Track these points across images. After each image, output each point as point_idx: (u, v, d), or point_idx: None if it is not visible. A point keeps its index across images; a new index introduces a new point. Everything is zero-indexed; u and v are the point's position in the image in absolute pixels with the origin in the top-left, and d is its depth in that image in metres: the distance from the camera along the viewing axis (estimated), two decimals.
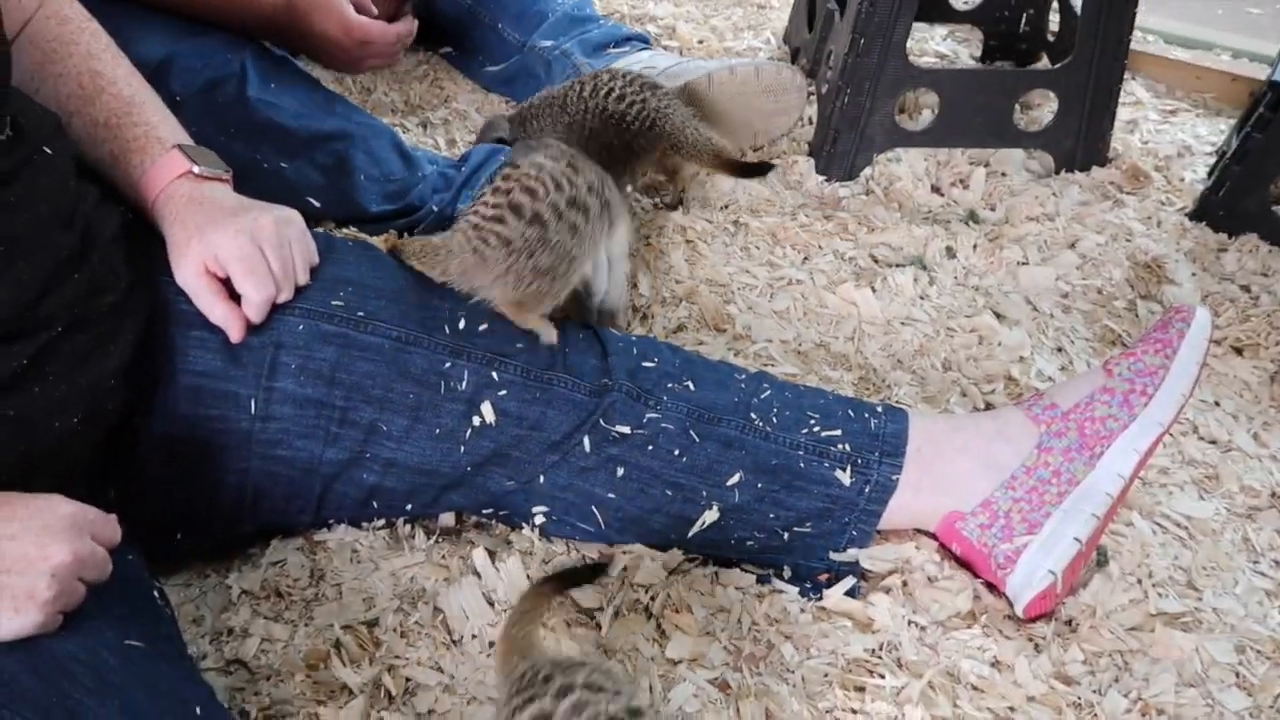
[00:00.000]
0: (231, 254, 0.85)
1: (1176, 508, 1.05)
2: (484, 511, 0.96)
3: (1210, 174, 1.50)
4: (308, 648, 0.86)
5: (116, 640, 0.70)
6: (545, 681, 0.69)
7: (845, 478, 0.94)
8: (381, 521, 0.96)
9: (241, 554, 0.95)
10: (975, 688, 0.86)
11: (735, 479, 0.93)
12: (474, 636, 0.88)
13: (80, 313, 0.79)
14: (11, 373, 0.74)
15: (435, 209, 1.28)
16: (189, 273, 0.86)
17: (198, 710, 0.69)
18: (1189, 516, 1.04)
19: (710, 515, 0.93)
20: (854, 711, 0.84)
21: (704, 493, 0.93)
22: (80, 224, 0.81)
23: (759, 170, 1.34)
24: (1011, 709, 0.84)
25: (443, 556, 0.95)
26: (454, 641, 0.88)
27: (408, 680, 0.84)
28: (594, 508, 0.94)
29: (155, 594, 0.81)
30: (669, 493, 0.93)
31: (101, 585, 0.71)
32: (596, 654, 0.87)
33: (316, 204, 1.21)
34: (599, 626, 0.90)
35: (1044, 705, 0.85)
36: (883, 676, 0.86)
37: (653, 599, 0.92)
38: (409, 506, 0.95)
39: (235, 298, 0.86)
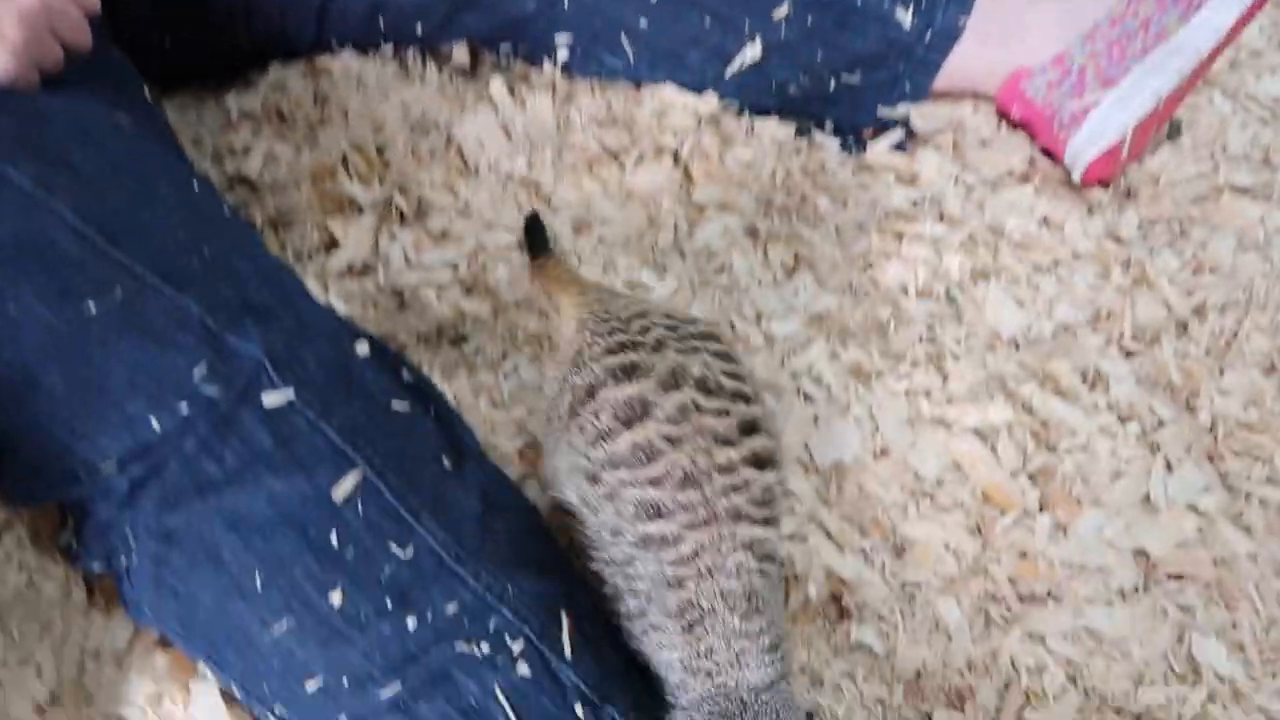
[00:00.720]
0: None
1: (1264, 90, 0.95)
2: (502, 45, 0.87)
3: None
4: (314, 165, 0.81)
5: (103, 112, 0.64)
6: (655, 349, 0.55)
7: (906, 18, 0.84)
8: (390, 51, 0.87)
9: (238, 79, 0.87)
10: (1020, 243, 0.81)
11: (782, 10, 0.83)
12: (490, 167, 0.82)
13: None
14: None
15: None
16: None
17: (195, 188, 0.64)
18: (1275, 98, 0.94)
19: (752, 51, 0.84)
20: (889, 257, 0.80)
21: (746, 24, 0.83)
22: None
23: None
24: (1056, 262, 0.80)
25: (457, 89, 0.87)
26: (469, 169, 0.82)
27: (420, 201, 0.80)
28: (624, 36, 0.84)
29: (146, 94, 0.75)
30: (707, 21, 0.83)
31: (85, 65, 0.64)
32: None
33: None
34: (622, 168, 0.84)
35: (1091, 261, 0.80)
36: (923, 226, 0.81)
37: (681, 144, 0.85)
38: (418, 29, 0.85)
39: None
